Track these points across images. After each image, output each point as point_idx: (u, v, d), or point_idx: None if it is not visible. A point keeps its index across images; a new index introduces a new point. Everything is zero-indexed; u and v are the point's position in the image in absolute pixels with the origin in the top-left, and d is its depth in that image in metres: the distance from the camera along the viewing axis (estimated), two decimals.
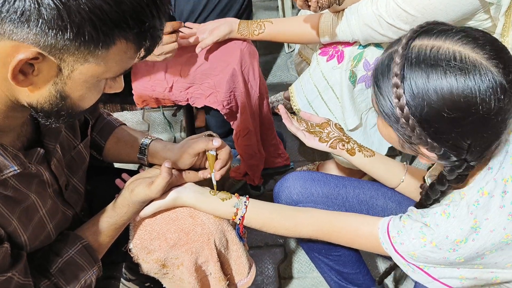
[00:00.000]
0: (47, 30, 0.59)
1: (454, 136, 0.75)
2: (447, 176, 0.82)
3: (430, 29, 0.78)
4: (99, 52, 0.63)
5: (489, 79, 0.71)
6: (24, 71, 0.63)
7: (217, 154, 1.03)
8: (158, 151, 1.05)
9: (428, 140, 0.77)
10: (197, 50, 1.40)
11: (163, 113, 1.65)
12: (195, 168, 1.05)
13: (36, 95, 0.67)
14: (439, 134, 0.76)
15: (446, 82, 0.72)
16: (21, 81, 0.63)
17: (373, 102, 0.84)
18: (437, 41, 0.76)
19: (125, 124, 1.15)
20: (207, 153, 1.02)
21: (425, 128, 0.76)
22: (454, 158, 0.79)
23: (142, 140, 1.07)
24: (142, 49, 0.69)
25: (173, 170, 0.97)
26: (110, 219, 0.93)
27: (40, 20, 0.58)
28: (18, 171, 0.74)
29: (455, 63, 0.72)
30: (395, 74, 0.75)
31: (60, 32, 0.59)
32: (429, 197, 0.89)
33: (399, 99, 0.75)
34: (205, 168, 1.06)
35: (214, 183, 1.02)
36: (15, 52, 0.60)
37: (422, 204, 0.92)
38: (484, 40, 0.75)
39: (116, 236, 0.96)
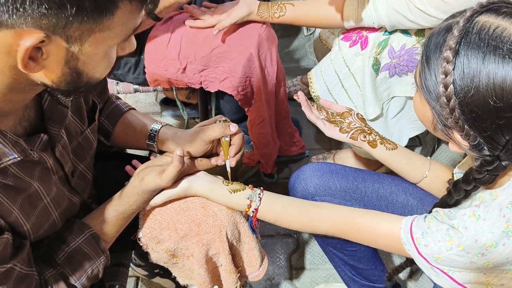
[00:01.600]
0: (44, 11, 0.55)
1: (494, 128, 0.70)
2: (476, 173, 0.77)
3: (499, 7, 0.72)
4: (105, 20, 0.60)
5: None
6: (33, 57, 0.60)
7: (230, 139, 0.98)
8: (168, 138, 1.01)
9: (465, 126, 0.72)
10: (214, 32, 1.35)
11: (176, 95, 1.61)
12: (206, 155, 1.01)
13: (50, 76, 0.64)
14: (478, 122, 0.70)
15: (503, 68, 0.67)
16: (33, 67, 0.60)
17: (415, 74, 0.79)
18: (504, 21, 0.69)
19: (134, 109, 1.11)
20: (221, 139, 0.98)
21: (465, 112, 0.70)
22: (487, 152, 0.73)
23: (152, 126, 1.03)
24: (146, 7, 0.66)
25: (185, 158, 0.93)
26: (118, 207, 0.90)
27: (36, 1, 0.54)
28: (18, 159, 0.71)
29: None
30: (449, 47, 0.70)
31: (60, 10, 0.56)
32: (451, 196, 0.84)
33: (446, 76, 0.70)
34: (216, 155, 1.02)
35: (229, 170, 0.98)
36: (18, 39, 0.57)
37: (444, 202, 0.87)
38: None
39: (124, 226, 0.94)
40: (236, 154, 0.98)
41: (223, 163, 0.98)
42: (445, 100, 0.71)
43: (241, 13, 1.34)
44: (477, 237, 0.76)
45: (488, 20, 0.70)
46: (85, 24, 0.59)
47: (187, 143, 0.98)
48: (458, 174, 0.91)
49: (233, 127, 0.96)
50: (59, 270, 0.82)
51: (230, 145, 0.99)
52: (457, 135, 0.75)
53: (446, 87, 0.70)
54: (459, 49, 0.69)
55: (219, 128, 0.96)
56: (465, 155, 0.93)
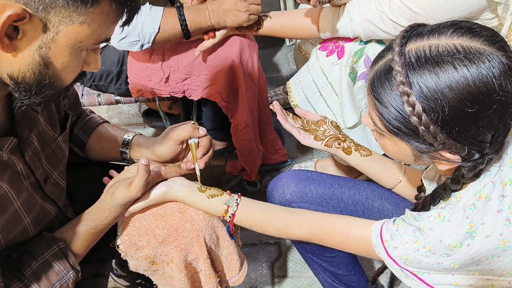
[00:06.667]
0: None
1: (480, 131, 0.72)
2: (466, 174, 0.78)
3: (419, 31, 0.75)
4: (84, 11, 0.64)
5: (498, 63, 0.69)
6: (9, 35, 0.62)
7: (198, 142, 1.01)
8: (141, 143, 1.05)
9: (452, 142, 0.73)
10: (196, 53, 1.38)
11: (159, 106, 1.63)
12: (174, 160, 1.04)
13: (19, 61, 0.66)
14: (463, 132, 0.72)
15: (458, 75, 0.69)
16: (6, 45, 0.63)
17: (374, 121, 0.80)
18: (432, 40, 0.73)
19: (108, 122, 1.14)
20: (189, 142, 1.00)
21: (448, 131, 0.72)
22: (477, 155, 0.75)
23: (125, 135, 1.07)
24: (122, 17, 0.70)
25: (151, 167, 0.95)
26: (89, 223, 0.91)
27: None
28: None
29: (460, 55, 0.70)
30: (400, 82, 0.72)
31: None
32: (438, 197, 0.85)
33: (413, 107, 0.71)
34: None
35: (198, 173, 0.99)
36: (0, 12, 0.59)
37: (423, 206, 0.89)
38: (478, 28, 0.73)
39: (95, 241, 0.94)
40: (204, 155, 1.00)
41: (192, 166, 1.00)
42: (424, 128, 0.72)
43: (221, 32, 1.37)
44: (442, 238, 0.78)
45: (418, 45, 0.73)
46: (67, 10, 0.62)
47: (157, 145, 1.00)
48: (426, 181, 0.93)
49: (202, 130, 0.99)
50: (26, 283, 0.82)
51: (198, 147, 1.00)
52: (446, 154, 0.76)
53: (419, 117, 0.72)
54: (410, 80, 0.71)
55: (188, 128, 0.98)
56: None
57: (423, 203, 0.87)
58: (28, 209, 0.85)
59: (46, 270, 0.84)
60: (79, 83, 1.57)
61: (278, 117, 1.13)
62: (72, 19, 0.64)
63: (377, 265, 1.57)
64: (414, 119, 0.72)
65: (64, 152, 0.97)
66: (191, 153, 1.01)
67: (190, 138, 1.00)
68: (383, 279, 1.54)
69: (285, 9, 2.30)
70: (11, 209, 0.81)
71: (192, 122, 1.02)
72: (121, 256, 0.99)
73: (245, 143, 1.60)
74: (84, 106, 1.20)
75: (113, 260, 1.38)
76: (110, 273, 1.42)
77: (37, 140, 0.87)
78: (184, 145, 1.02)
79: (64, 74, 0.70)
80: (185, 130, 0.98)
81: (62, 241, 0.88)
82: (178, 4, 1.33)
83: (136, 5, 0.70)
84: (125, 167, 1.00)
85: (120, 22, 0.71)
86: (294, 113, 1.20)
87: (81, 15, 0.64)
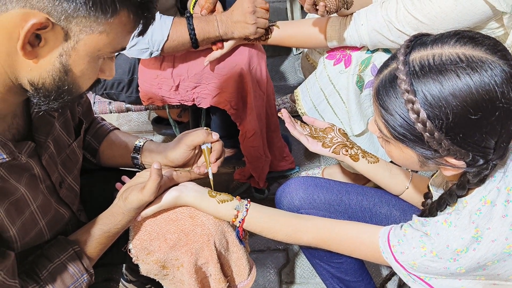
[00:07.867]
0: None
1: (484, 137, 0.73)
2: (472, 179, 0.80)
3: (423, 40, 0.77)
4: (104, 21, 0.66)
5: (500, 71, 0.71)
6: (31, 43, 0.65)
7: (211, 147, 1.04)
8: (153, 149, 1.07)
9: (457, 148, 0.75)
10: (205, 63, 1.41)
11: (169, 113, 1.65)
12: (186, 165, 1.06)
13: (40, 68, 0.68)
14: (467, 138, 0.74)
15: (462, 83, 0.71)
16: (28, 52, 0.65)
17: (380, 128, 0.82)
18: (435, 49, 0.75)
19: (118, 129, 1.17)
20: (202, 147, 1.03)
21: (452, 137, 0.74)
22: (482, 161, 0.77)
23: (136, 142, 1.10)
24: (139, 26, 0.73)
25: (163, 172, 0.97)
26: (103, 227, 0.93)
27: None
28: (7, 159, 0.75)
29: (463, 64, 0.72)
30: (405, 90, 0.73)
31: None
32: (444, 203, 0.86)
33: (418, 115, 0.73)
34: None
35: (211, 177, 1.02)
36: (24, 21, 0.62)
37: (430, 212, 0.90)
38: (481, 37, 0.75)
39: (108, 245, 0.96)
40: (216, 159, 1.03)
41: (205, 170, 1.02)
42: (429, 135, 0.74)
43: (230, 42, 1.39)
44: (449, 243, 0.79)
45: (422, 54, 0.75)
46: (88, 20, 0.65)
47: (170, 150, 1.03)
48: (433, 187, 0.95)
49: (215, 135, 1.02)
50: (42, 285, 0.84)
51: (211, 152, 1.03)
52: (451, 160, 0.77)
53: (424, 124, 0.74)
54: (414, 88, 0.73)
55: (202, 133, 1.01)
56: None
57: (430, 209, 0.88)
58: (44, 212, 0.87)
59: (61, 273, 0.86)
60: (91, 92, 1.60)
61: (287, 125, 1.15)
62: (92, 29, 0.67)
63: (385, 272, 1.57)
64: (419, 126, 0.74)
65: (78, 158, 1.00)
66: (204, 158, 1.04)
67: (204, 143, 1.02)
68: (391, 286, 1.54)
69: (293, 19, 2.33)
70: (28, 211, 0.83)
71: (205, 128, 1.04)
72: (133, 260, 1.01)
73: (253, 150, 1.61)
74: (95, 114, 1.23)
75: (123, 265, 1.40)
76: (120, 278, 1.43)
77: (53, 145, 0.89)
78: (196, 151, 1.04)
79: (82, 81, 0.73)
80: (199, 135, 1.01)
81: (77, 245, 0.90)
82: (187, 14, 1.36)
83: (152, 16, 0.73)
84: (137, 173, 1.02)
85: (136, 32, 0.74)
86: (302, 121, 1.21)
87: (101, 25, 0.67)
